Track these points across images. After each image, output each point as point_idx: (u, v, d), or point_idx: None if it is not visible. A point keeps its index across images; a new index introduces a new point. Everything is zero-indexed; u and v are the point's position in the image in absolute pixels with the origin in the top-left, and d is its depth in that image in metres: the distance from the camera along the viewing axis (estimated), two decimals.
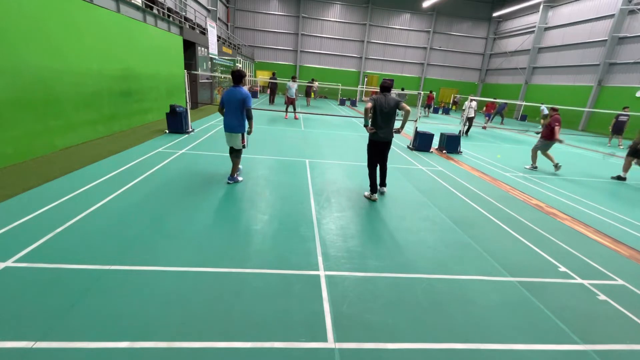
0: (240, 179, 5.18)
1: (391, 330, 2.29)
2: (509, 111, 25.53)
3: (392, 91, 4.74)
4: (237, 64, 22.10)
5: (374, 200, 4.77)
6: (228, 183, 5.00)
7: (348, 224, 3.95)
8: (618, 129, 13.36)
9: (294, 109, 13.19)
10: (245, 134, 4.85)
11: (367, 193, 4.92)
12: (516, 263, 3.35)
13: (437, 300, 2.65)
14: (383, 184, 5.07)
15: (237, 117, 4.66)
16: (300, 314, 2.35)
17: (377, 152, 4.80)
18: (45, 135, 5.63)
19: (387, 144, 4.78)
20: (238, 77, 4.63)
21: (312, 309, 2.42)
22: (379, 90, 4.67)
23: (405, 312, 2.48)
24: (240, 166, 5.48)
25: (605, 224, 4.68)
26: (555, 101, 20.69)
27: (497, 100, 13.60)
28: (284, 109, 13.40)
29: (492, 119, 14.83)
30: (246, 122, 4.78)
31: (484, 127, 14.80)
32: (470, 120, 12.53)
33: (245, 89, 4.70)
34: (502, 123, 20.76)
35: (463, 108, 12.48)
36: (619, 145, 13.84)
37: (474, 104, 12.22)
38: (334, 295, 2.59)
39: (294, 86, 12.96)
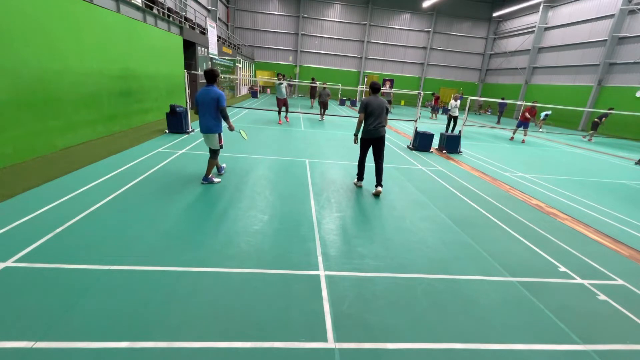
0: (216, 180, 4.99)
1: (391, 330, 2.29)
2: (509, 110, 25.58)
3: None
4: (237, 64, 22.11)
5: (359, 187, 5.29)
6: (202, 183, 4.87)
7: (348, 224, 3.95)
8: None
9: (287, 110, 12.02)
10: (222, 134, 4.81)
11: (355, 180, 5.42)
12: (516, 263, 3.35)
13: (437, 300, 2.65)
14: (379, 183, 5.00)
15: (212, 117, 4.59)
16: (300, 314, 2.35)
17: (368, 148, 5.10)
18: (45, 135, 5.63)
19: (378, 140, 4.93)
20: (211, 76, 4.50)
21: (312, 309, 2.42)
22: (369, 90, 4.93)
23: (405, 312, 2.48)
24: (223, 165, 5.51)
25: (605, 224, 4.68)
26: (555, 101, 20.72)
27: (536, 105, 12.15)
28: (278, 110, 11.95)
29: (527, 126, 12.64)
30: (222, 122, 4.72)
31: (523, 141, 12.65)
32: (454, 119, 12.29)
33: (219, 88, 4.61)
34: (498, 122, 20.76)
35: (449, 107, 12.15)
36: None
37: (458, 102, 11.91)
38: (334, 295, 2.59)
39: (284, 86, 11.51)
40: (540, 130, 17.70)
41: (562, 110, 19.54)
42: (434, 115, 20.79)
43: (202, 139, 7.85)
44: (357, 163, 5.37)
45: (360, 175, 5.35)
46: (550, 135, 15.96)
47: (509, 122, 21.50)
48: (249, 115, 13.39)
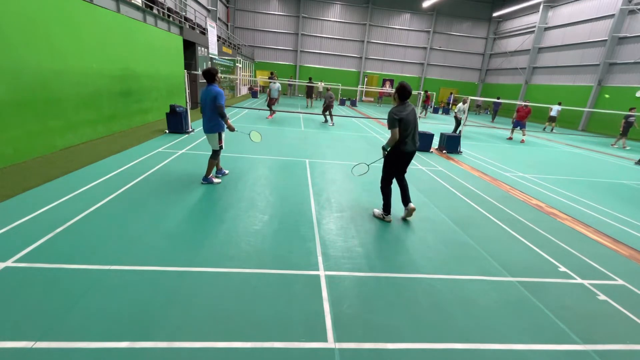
0: (216, 180, 4.95)
1: (391, 330, 2.29)
2: (507, 110, 25.57)
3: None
4: (237, 64, 22.11)
5: (389, 222, 4.08)
6: (202, 183, 4.85)
7: (348, 224, 3.95)
8: None
9: (271, 109, 12.82)
10: (223, 134, 4.78)
11: (378, 211, 4.19)
12: (516, 263, 3.35)
13: (437, 300, 2.65)
14: (408, 199, 4.13)
15: (212, 117, 4.59)
16: (300, 314, 2.35)
17: (401, 165, 4.01)
18: (45, 135, 5.63)
19: (413, 154, 3.97)
20: (209, 75, 4.49)
21: (312, 309, 2.42)
22: (396, 97, 3.79)
23: (405, 312, 2.48)
24: (226, 171, 5.43)
25: (605, 224, 4.67)
26: (555, 101, 20.68)
27: (529, 104, 12.29)
28: (283, 108, 13.31)
29: (524, 126, 12.52)
30: (222, 122, 4.68)
31: (522, 141, 12.63)
32: (459, 120, 12.25)
33: (219, 87, 4.59)
34: (492, 121, 20.86)
35: (455, 110, 12.20)
36: None
37: (466, 106, 11.93)
38: (334, 295, 2.59)
39: (275, 86, 12.50)
40: (554, 131, 17.43)
41: (562, 110, 19.53)
42: (424, 113, 20.84)
43: (202, 139, 7.92)
44: (356, 163, 5.12)
45: (388, 206, 4.07)
46: (550, 135, 15.96)
47: (506, 121, 21.50)
48: (249, 115, 13.38)
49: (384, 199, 4.08)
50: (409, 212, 4.09)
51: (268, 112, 13.02)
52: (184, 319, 2.21)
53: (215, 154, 4.86)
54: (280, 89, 12.92)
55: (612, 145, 14.03)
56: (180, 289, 2.51)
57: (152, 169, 5.35)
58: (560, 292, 2.92)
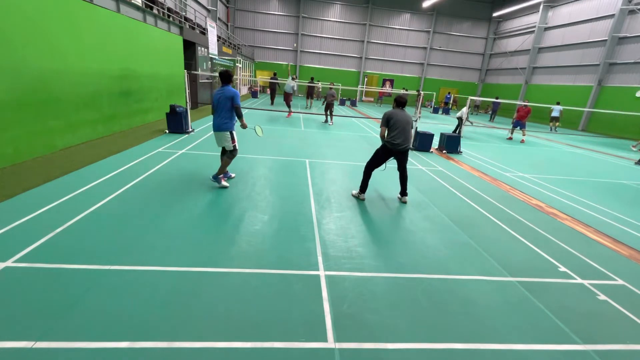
0: (224, 183, 4.87)
1: (391, 330, 2.29)
2: (507, 110, 25.57)
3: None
4: (237, 64, 22.11)
5: (362, 200, 4.75)
6: (211, 180, 4.87)
7: (348, 224, 3.95)
8: None
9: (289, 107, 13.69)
10: (234, 133, 4.79)
11: (355, 192, 4.88)
12: (516, 263, 3.35)
13: (437, 300, 2.65)
14: (405, 192, 4.86)
15: (225, 116, 4.64)
16: (300, 314, 2.35)
17: (387, 158, 4.71)
18: (45, 135, 5.63)
19: (403, 153, 4.66)
20: (227, 77, 4.63)
21: (312, 309, 2.42)
22: (394, 104, 4.68)
23: (405, 312, 2.48)
24: (232, 174, 5.35)
25: (605, 224, 4.68)
26: (555, 101, 20.70)
27: (528, 104, 12.37)
28: (284, 108, 13.78)
29: (523, 126, 12.61)
30: (234, 121, 4.75)
31: (522, 141, 12.67)
32: (460, 120, 12.33)
33: (234, 88, 4.69)
34: (491, 120, 20.85)
35: (459, 115, 12.26)
36: None
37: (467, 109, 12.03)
38: (334, 295, 2.59)
39: (291, 84, 13.58)
40: (555, 131, 17.36)
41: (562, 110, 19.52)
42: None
43: (202, 139, 7.91)
44: (355, 163, 5.22)
45: (364, 186, 4.78)
46: (550, 135, 15.96)
47: (506, 121, 21.50)
48: (250, 115, 13.38)
49: (362, 179, 4.77)
50: (403, 202, 4.85)
51: (268, 112, 13.13)
52: (184, 318, 2.21)
53: (231, 154, 4.84)
54: (294, 87, 13.81)
55: (633, 147, 13.47)
56: (180, 289, 2.51)
57: (152, 169, 5.35)
58: (560, 292, 2.92)
